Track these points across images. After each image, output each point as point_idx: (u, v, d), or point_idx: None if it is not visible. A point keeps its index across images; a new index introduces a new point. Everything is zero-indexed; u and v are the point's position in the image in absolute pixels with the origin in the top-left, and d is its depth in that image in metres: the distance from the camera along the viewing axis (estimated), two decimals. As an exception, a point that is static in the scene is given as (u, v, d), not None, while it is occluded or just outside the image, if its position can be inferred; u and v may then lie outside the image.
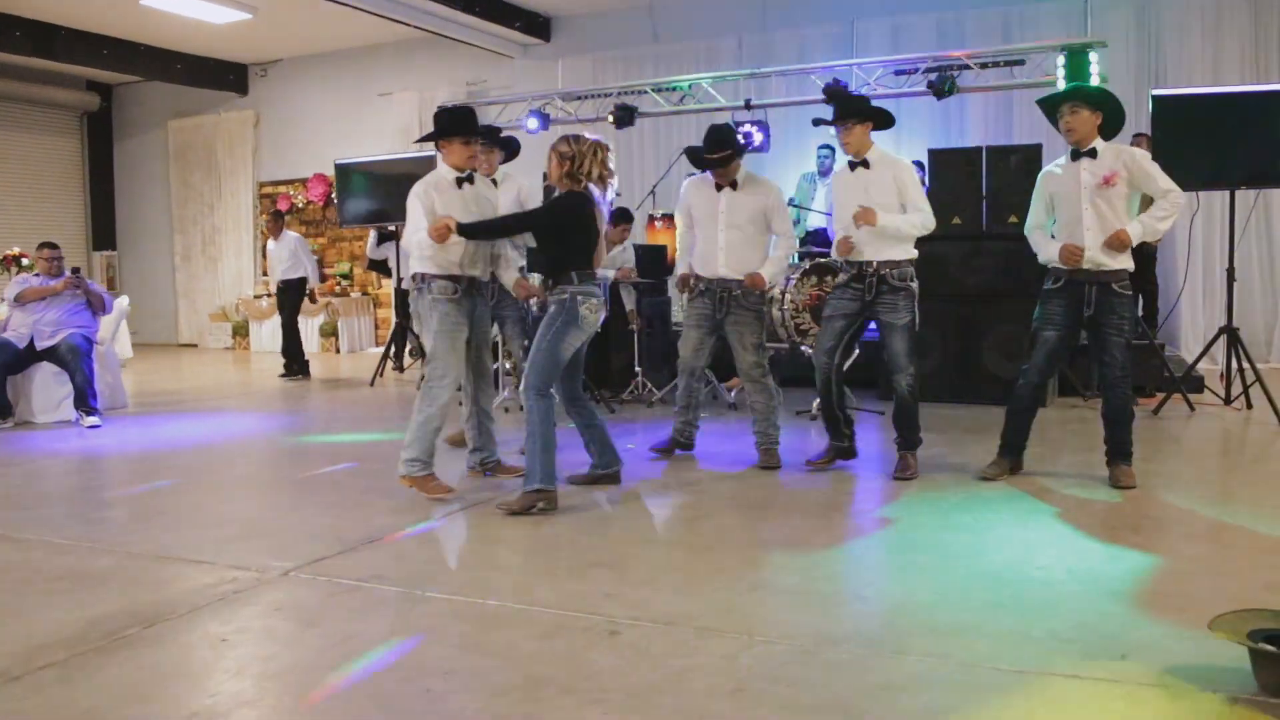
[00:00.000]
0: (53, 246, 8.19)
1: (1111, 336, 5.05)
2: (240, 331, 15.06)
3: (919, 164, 8.08)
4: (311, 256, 11.21)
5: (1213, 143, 7.19)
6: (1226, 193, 7.60)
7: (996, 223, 8.15)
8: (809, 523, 4.61)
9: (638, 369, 8.46)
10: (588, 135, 4.86)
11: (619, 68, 12.94)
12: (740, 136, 6.21)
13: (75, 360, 7.76)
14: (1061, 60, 7.83)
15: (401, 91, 14.25)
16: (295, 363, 10.94)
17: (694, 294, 5.87)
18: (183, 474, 6.10)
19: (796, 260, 8.50)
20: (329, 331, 14.30)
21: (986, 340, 8.19)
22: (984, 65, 8.43)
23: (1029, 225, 5.35)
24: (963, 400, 8.07)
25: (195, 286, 16.02)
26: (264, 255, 13.70)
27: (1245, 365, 7.43)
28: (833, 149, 10.30)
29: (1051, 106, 5.15)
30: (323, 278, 14.60)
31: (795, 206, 9.42)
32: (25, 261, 11.21)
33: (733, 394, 8.23)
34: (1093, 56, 7.70)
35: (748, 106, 8.78)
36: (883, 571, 3.95)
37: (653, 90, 9.48)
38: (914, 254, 5.42)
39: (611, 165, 4.87)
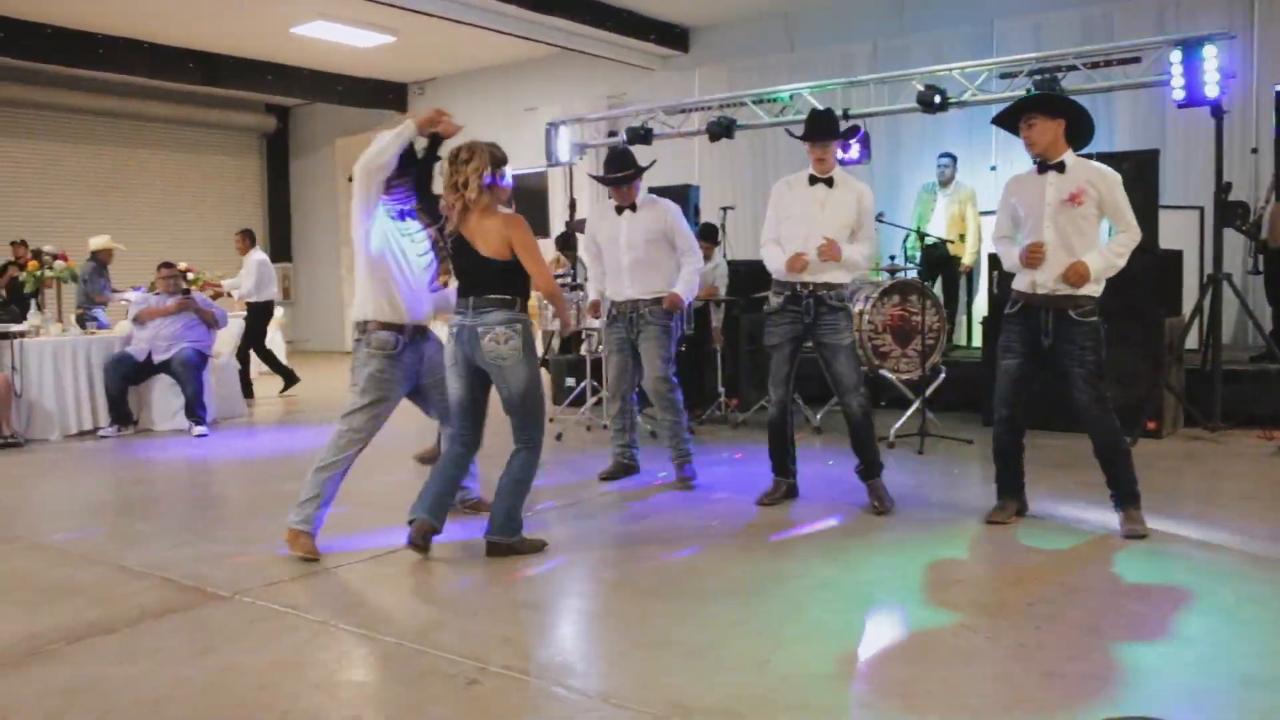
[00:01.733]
0: (169, 266, 8.78)
1: (1073, 369, 4.59)
2: (396, 340, 15.67)
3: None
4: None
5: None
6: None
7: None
8: (757, 568, 4.36)
9: (720, 389, 8.28)
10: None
11: (754, 76, 12.74)
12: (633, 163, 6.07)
13: (187, 373, 8.28)
14: (1176, 56, 7.11)
15: (546, 106, 14.49)
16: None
17: (609, 319, 5.98)
18: (227, 485, 6.39)
19: (875, 277, 8.13)
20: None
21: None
22: (1093, 65, 7.77)
23: (994, 234, 4.97)
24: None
25: (360, 297, 16.80)
26: None
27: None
28: (953, 158, 9.80)
29: (1011, 122, 4.71)
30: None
31: (881, 221, 8.99)
32: (191, 276, 12.06)
33: (819, 416, 7.94)
34: (1208, 51, 6.95)
35: (845, 116, 8.44)
36: (802, 631, 3.60)
37: (752, 103, 9.24)
38: (849, 279, 5.25)
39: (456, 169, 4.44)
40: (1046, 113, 4.61)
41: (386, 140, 4.53)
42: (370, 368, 4.58)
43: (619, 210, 5.95)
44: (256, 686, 3.15)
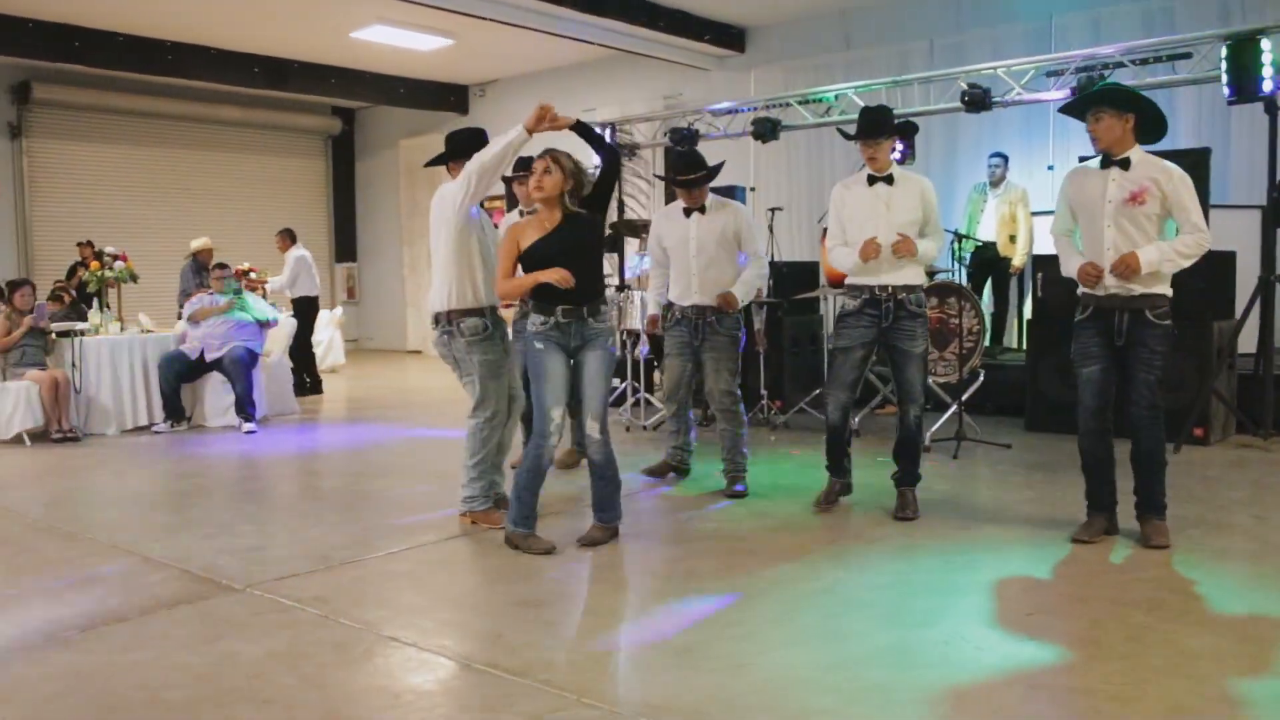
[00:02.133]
0: (223, 267, 9.01)
1: (1139, 372, 4.42)
2: (454, 340, 15.88)
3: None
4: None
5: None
6: None
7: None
8: (762, 570, 4.34)
9: (763, 391, 8.25)
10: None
11: (810, 76, 12.65)
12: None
13: (237, 371, 8.50)
14: (1224, 52, 6.91)
15: (604, 107, 14.56)
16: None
17: (670, 322, 5.86)
18: (265, 481, 6.56)
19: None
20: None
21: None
22: (1142, 61, 7.58)
23: (1053, 229, 4.77)
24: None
25: (421, 296, 17.04)
26: None
27: None
28: (1004, 157, 9.63)
29: (1079, 113, 4.53)
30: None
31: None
32: (253, 275, 12.35)
33: (856, 420, 7.86)
34: (1265, 44, 6.72)
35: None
36: (792, 634, 3.58)
37: (797, 103, 9.19)
38: (924, 281, 5.10)
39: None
40: (1115, 107, 4.40)
41: (502, 145, 4.75)
42: (477, 354, 4.93)
43: (687, 212, 5.80)
44: (248, 675, 3.24)
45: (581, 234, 4.60)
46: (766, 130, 9.19)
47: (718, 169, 5.89)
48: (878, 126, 5.02)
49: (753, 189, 12.20)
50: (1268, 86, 6.74)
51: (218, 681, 3.20)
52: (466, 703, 3.02)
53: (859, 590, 4.04)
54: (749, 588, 4.08)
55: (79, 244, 11.38)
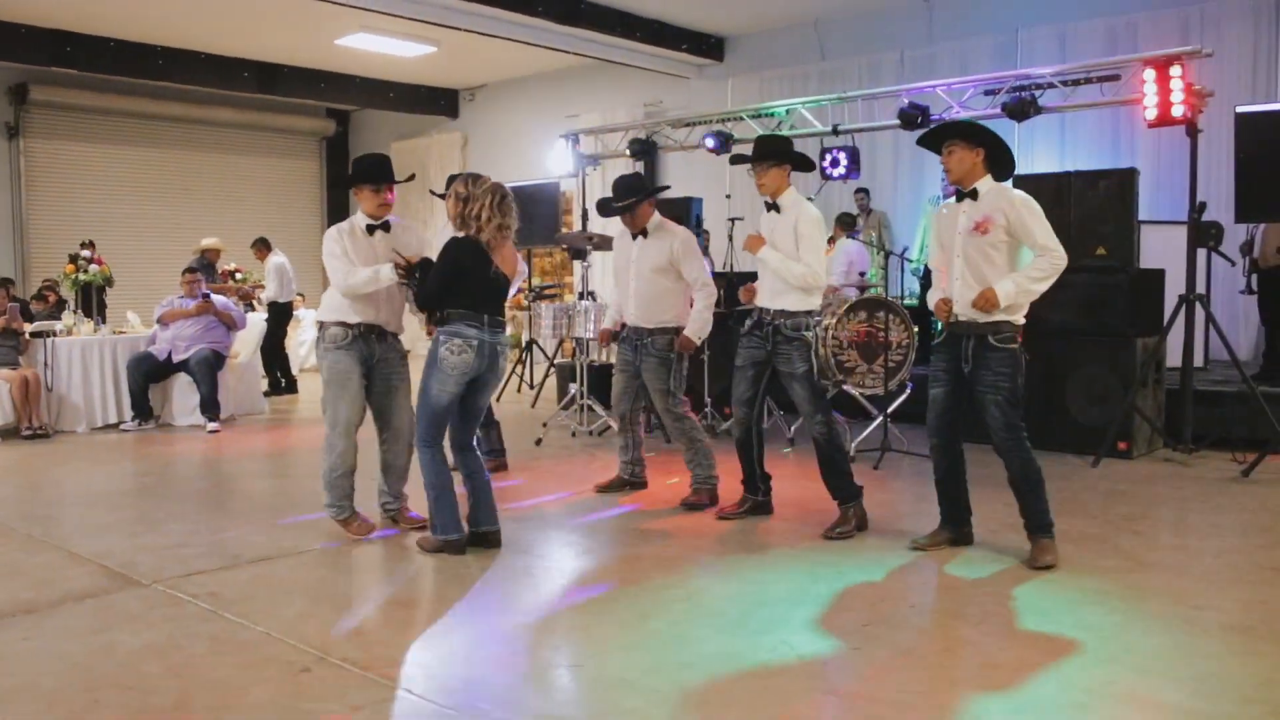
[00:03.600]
0: (192, 271, 9.35)
1: (986, 395, 4.63)
2: (440, 340, 16.19)
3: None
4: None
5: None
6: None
7: (1083, 255, 7.53)
8: (631, 575, 4.61)
9: (707, 399, 8.52)
10: (488, 178, 4.88)
11: (785, 85, 12.91)
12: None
13: (202, 372, 8.83)
14: (1150, 75, 7.11)
15: (586, 114, 14.82)
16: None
17: (622, 338, 6.04)
18: (216, 479, 6.86)
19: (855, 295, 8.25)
20: (514, 343, 15.13)
21: (1070, 383, 7.59)
22: (1073, 82, 7.79)
23: (930, 262, 5.01)
24: (1043, 448, 7.51)
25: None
26: None
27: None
28: (955, 170, 9.82)
29: (935, 146, 4.77)
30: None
31: (893, 254, 9.13)
32: (240, 276, 12.68)
33: (792, 430, 8.10)
34: (1174, 70, 6.92)
35: (835, 132, 8.59)
36: (634, 639, 3.82)
37: (749, 117, 9.43)
38: (811, 305, 5.26)
39: (510, 208, 4.84)
40: (966, 140, 4.64)
41: (367, 278, 5.06)
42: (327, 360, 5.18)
43: (634, 236, 5.94)
44: (117, 664, 3.54)
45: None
46: (720, 144, 9.42)
47: (646, 196, 5.95)
48: (760, 154, 5.31)
49: (728, 196, 12.44)
50: (1180, 111, 6.93)
51: (89, 671, 3.50)
52: (310, 694, 3.30)
53: (714, 599, 4.30)
54: (616, 593, 4.35)
55: (82, 245, 11.74)
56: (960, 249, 4.64)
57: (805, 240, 5.19)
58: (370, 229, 5.23)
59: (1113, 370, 7.40)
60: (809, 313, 5.26)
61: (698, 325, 5.82)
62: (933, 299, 4.83)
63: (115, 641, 3.77)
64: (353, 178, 5.27)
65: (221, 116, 16.08)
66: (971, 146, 4.61)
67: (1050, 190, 7.74)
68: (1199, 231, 7.21)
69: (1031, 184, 7.95)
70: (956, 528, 5.00)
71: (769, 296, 5.26)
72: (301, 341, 13.11)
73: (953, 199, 4.84)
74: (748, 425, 5.46)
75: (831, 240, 9.78)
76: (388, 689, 3.31)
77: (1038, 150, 10.84)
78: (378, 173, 5.19)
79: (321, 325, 5.20)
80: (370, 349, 5.18)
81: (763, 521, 5.57)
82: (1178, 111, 6.93)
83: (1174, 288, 7.77)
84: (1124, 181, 7.53)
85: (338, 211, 18.12)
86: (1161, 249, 8.10)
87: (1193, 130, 7.10)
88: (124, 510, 6.00)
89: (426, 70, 15.02)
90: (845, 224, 10.17)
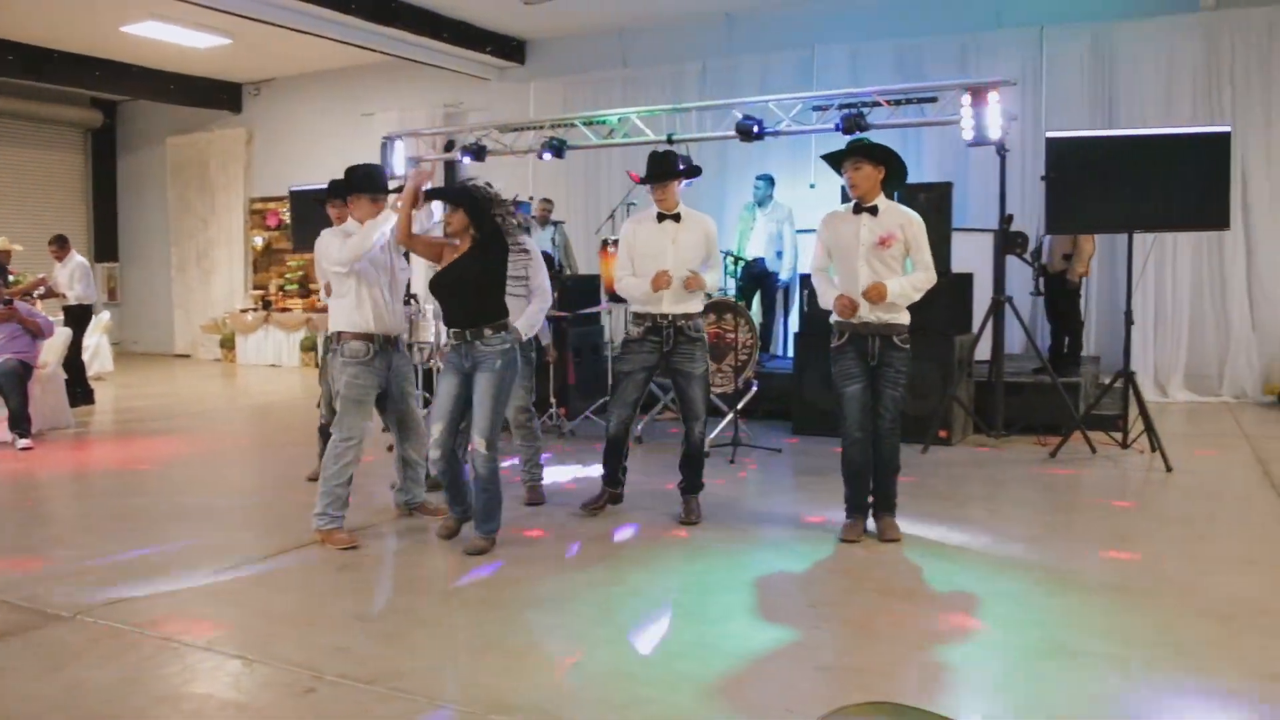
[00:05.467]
0: (-8, 276, 8.62)
1: (887, 389, 5.20)
2: (228, 344, 15.52)
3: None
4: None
5: (1108, 186, 7.16)
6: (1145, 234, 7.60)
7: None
8: (574, 576, 4.78)
9: (552, 400, 8.69)
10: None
11: (588, 91, 13.18)
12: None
13: (10, 385, 8.17)
14: (967, 99, 7.88)
15: (384, 112, 14.60)
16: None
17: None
18: (57, 501, 6.43)
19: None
20: (309, 346, 14.69)
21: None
22: (896, 102, 8.51)
23: (812, 266, 5.51)
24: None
25: (190, 298, 16.54)
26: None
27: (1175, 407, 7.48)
28: (769, 179, 10.40)
29: (836, 161, 5.26)
30: (307, 293, 15.00)
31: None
32: (12, 278, 11.68)
33: (639, 427, 8.40)
34: (992, 97, 7.74)
35: (670, 141, 8.96)
36: (611, 633, 4.00)
37: (582, 124, 9.67)
38: (702, 309, 5.73)
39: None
40: (873, 160, 5.15)
41: (378, 233, 5.16)
42: (347, 375, 5.20)
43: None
44: (103, 701, 3.38)
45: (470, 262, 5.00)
46: (554, 150, 9.59)
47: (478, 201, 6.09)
48: (666, 172, 5.61)
49: (530, 198, 12.60)
50: (995, 134, 7.73)
51: (72, 710, 3.32)
52: (329, 714, 3.29)
53: (662, 592, 4.53)
54: (566, 592, 4.50)
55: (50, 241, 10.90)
56: (865, 259, 5.15)
57: (716, 244, 5.72)
58: None
59: (935, 366, 8.13)
60: (699, 315, 5.69)
61: (528, 323, 5.74)
62: (827, 299, 5.28)
63: (82, 678, 3.57)
64: (350, 187, 5.34)
65: (-20, 103, 14.74)
66: (876, 165, 5.12)
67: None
68: (1007, 239, 8.04)
69: (856, 195, 8.65)
70: (864, 516, 5.42)
71: (671, 302, 5.58)
72: (85, 346, 12.22)
73: (841, 208, 5.36)
74: (627, 424, 5.80)
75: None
76: (408, 700, 3.35)
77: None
78: (368, 184, 5.32)
79: (339, 336, 5.25)
80: (388, 361, 5.38)
81: (616, 516, 5.86)
82: (994, 134, 7.71)
83: (980, 290, 8.65)
84: (942, 194, 8.28)
85: (104, 208, 16.96)
86: (967, 255, 8.93)
87: (1003, 150, 7.91)
88: (-18, 538, 5.56)
89: (213, 62, 14.34)
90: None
